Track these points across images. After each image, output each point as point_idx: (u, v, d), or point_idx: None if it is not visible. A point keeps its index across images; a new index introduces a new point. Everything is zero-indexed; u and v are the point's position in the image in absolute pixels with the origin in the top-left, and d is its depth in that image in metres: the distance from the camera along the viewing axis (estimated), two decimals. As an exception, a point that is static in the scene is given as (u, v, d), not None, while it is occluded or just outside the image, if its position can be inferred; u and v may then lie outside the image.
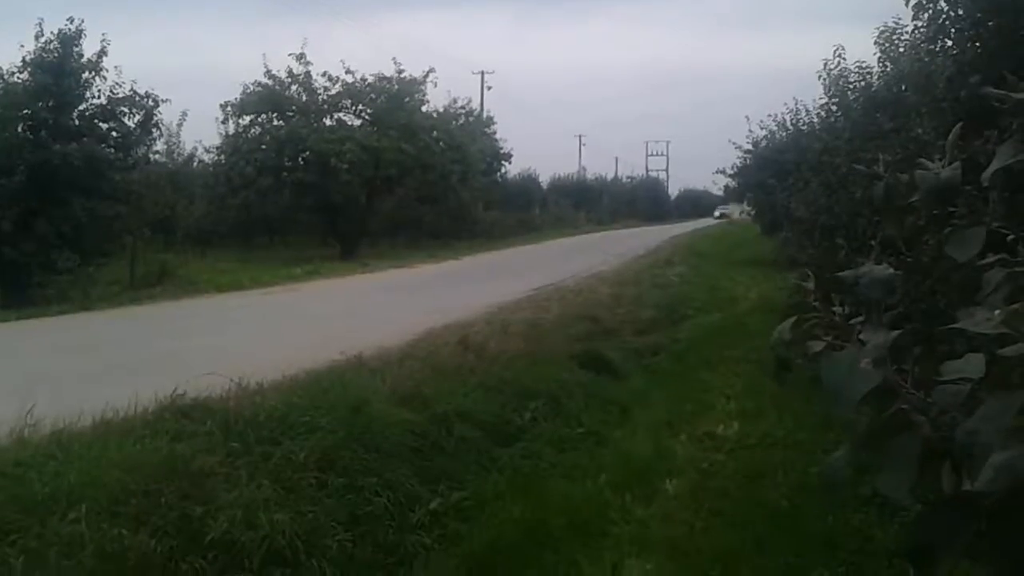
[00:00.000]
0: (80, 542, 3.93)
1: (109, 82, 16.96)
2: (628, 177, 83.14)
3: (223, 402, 5.91)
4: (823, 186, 10.65)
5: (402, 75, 27.88)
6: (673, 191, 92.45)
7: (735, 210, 63.01)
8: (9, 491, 4.24)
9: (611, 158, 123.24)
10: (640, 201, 73.89)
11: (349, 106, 27.98)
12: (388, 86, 27.60)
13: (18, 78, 16.36)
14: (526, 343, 9.29)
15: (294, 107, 27.08)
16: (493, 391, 7.57)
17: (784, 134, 23.97)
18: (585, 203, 62.83)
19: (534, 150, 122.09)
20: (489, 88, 47.42)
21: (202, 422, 5.42)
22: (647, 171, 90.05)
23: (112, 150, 17.17)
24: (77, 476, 4.41)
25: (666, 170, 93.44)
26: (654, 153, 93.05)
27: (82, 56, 16.53)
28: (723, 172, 28.33)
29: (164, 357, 8.70)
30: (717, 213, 78.66)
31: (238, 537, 4.32)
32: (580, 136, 77.60)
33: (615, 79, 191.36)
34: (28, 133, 15.91)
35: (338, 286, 17.47)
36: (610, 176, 78.46)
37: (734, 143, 26.56)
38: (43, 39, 16.29)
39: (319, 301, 14.78)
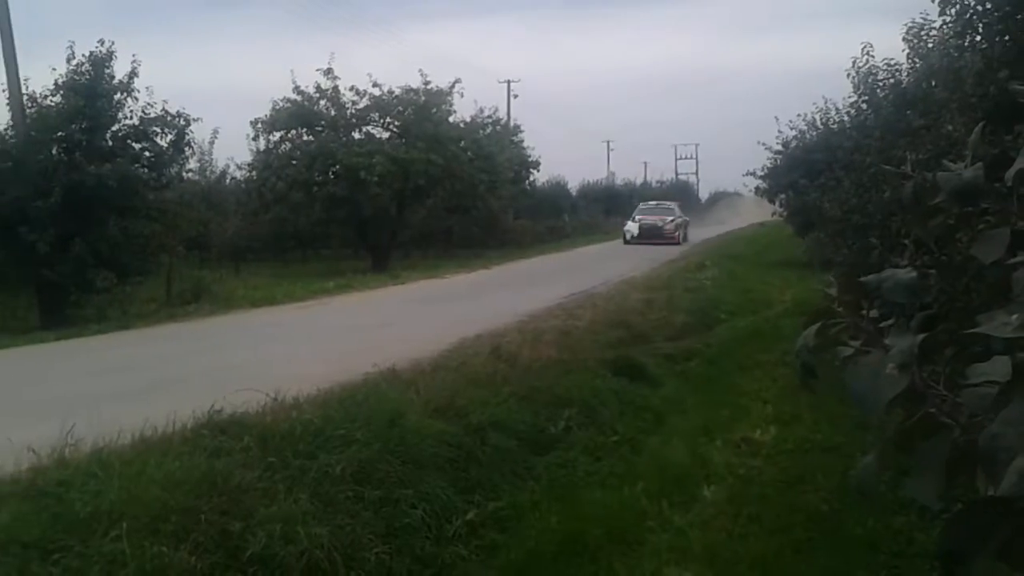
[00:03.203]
0: (121, 560, 3.98)
1: (141, 102, 17.14)
2: (658, 182, 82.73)
3: (260, 417, 5.96)
4: (855, 185, 10.54)
5: (429, 86, 28.02)
6: (703, 194, 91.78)
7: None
8: (51, 510, 4.30)
9: (640, 163, 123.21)
10: (670, 205, 73.29)
11: (377, 119, 28.15)
12: (415, 98, 27.73)
13: (51, 101, 16.58)
14: (558, 351, 9.27)
15: (323, 122, 27.30)
16: (526, 400, 7.56)
17: (814, 133, 23.77)
18: (615, 209, 62.66)
19: (562, 157, 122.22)
20: (515, 96, 47.67)
21: (239, 438, 5.46)
22: (676, 175, 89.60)
23: (146, 170, 17.36)
24: (117, 494, 4.46)
25: (696, 173, 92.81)
26: (683, 156, 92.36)
27: (113, 78, 16.72)
28: (753, 174, 28.10)
29: (201, 373, 8.79)
30: (635, 220, 37.48)
31: (277, 552, 4.35)
32: (608, 142, 77.48)
33: (642, 83, 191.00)
34: (63, 155, 16.11)
35: (370, 298, 17.56)
36: (639, 181, 78.18)
37: (763, 144, 26.37)
38: (74, 62, 16.52)
39: (352, 314, 14.87)
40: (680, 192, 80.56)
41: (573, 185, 60.45)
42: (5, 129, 16.32)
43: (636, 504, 5.91)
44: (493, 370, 8.15)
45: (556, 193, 54.08)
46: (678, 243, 34.58)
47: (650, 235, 35.22)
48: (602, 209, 59.75)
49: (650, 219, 37.00)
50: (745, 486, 6.29)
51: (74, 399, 7.15)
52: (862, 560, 5.01)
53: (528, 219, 41.62)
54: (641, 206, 41.05)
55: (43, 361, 10.62)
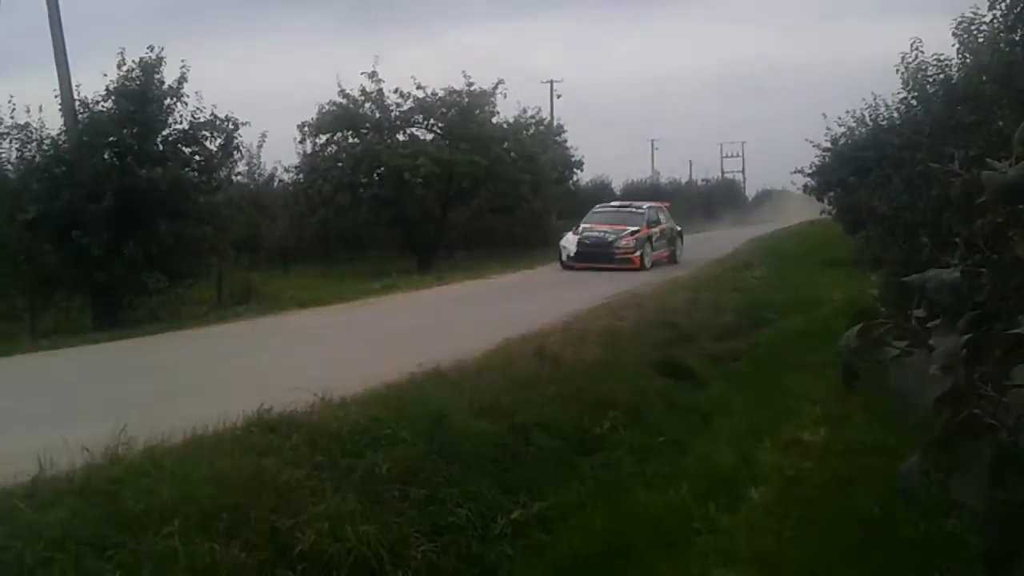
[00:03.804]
0: (174, 557, 4.06)
1: (190, 107, 17.40)
2: (703, 180, 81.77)
3: (308, 416, 6.03)
4: (905, 182, 10.40)
5: (472, 88, 28.09)
6: (751, 192, 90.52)
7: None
8: (105, 508, 4.40)
9: (685, 161, 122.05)
10: (716, 204, 72.57)
11: (421, 121, 28.30)
12: (458, 99, 27.82)
13: (102, 106, 16.89)
14: (603, 351, 9.25)
15: (368, 124, 27.51)
16: (571, 400, 7.56)
17: (863, 130, 23.44)
18: (659, 208, 62.03)
19: (606, 156, 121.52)
20: (559, 96, 47.80)
21: (288, 436, 5.55)
22: (722, 173, 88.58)
23: (196, 173, 17.64)
24: (170, 492, 4.55)
25: (742, 171, 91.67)
26: (729, 155, 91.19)
27: (163, 83, 16.98)
28: (801, 171, 27.74)
29: (251, 373, 8.89)
30: (579, 231, 23.49)
31: (326, 549, 4.42)
32: (652, 140, 76.90)
33: (687, 81, 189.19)
34: (114, 159, 16.43)
35: (415, 299, 17.64)
36: (684, 180, 77.39)
37: (812, 142, 26.04)
38: (125, 68, 16.81)
39: (397, 315, 14.94)
40: (726, 190, 79.72)
41: (617, 185, 60.01)
42: (58, 134, 16.64)
43: (682, 505, 5.87)
44: (538, 371, 8.16)
45: (600, 193, 53.56)
46: (638, 268, 21.55)
47: (592, 256, 22.09)
48: (647, 209, 59.21)
49: (598, 231, 23.27)
50: (794, 488, 6.22)
51: (127, 399, 7.29)
52: (913, 563, 4.93)
53: (572, 219, 41.43)
54: (596, 209, 26.54)
55: (97, 361, 10.81)
